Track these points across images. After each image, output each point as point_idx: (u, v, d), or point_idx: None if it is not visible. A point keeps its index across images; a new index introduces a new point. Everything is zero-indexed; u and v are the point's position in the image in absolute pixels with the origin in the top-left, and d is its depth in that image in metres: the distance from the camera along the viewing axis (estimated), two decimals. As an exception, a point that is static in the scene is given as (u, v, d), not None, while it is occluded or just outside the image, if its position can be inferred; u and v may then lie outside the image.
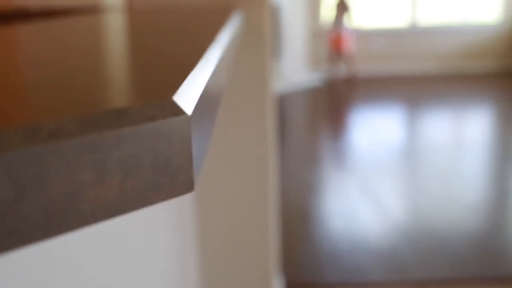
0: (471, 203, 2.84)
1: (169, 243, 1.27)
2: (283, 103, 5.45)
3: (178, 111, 0.20)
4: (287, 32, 6.32)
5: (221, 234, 1.72)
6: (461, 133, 4.15)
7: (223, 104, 1.59)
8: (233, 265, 1.75)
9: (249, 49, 1.56)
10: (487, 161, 3.48)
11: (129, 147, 0.19)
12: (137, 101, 0.20)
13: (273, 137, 1.72)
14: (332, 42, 5.96)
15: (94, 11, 1.56)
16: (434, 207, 2.80)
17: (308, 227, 2.62)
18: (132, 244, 0.91)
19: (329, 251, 2.38)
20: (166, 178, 0.20)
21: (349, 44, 5.95)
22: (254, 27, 1.54)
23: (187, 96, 0.21)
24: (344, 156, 3.68)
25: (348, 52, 6.03)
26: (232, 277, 1.76)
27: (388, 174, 3.31)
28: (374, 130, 4.30)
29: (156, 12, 1.04)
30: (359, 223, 2.64)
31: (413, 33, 6.82)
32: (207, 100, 0.25)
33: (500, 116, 4.78)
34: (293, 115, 4.94)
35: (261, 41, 1.57)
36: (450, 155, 3.63)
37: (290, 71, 6.36)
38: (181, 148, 0.20)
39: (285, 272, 2.23)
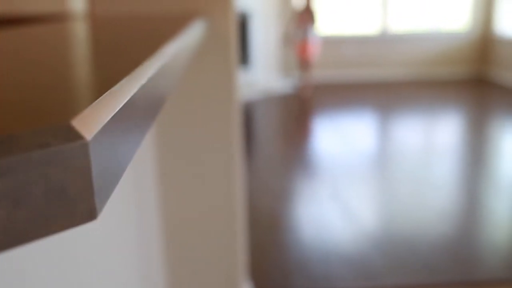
0: (441, 209, 2.87)
1: (134, 249, 1.25)
2: (253, 109, 5.45)
3: (75, 136, 0.19)
4: (257, 39, 6.33)
5: (188, 240, 1.70)
6: (431, 139, 4.21)
7: (188, 111, 1.58)
8: (201, 271, 1.73)
9: (214, 56, 1.55)
10: (457, 167, 3.53)
11: (17, 176, 0.17)
12: (31, 126, 0.19)
13: (239, 143, 1.71)
14: (298, 49, 5.93)
15: (55, 18, 1.53)
16: (404, 214, 2.83)
17: (278, 233, 2.62)
18: (97, 261, 0.89)
19: (299, 258, 2.38)
20: (62, 207, 0.19)
21: (315, 52, 5.90)
22: (219, 34, 1.53)
23: (91, 120, 0.20)
24: (314, 163, 3.69)
25: (313, 60, 6.01)
26: (199, 283, 1.74)
27: (358, 181, 3.33)
28: (345, 136, 4.33)
29: (115, 20, 1.02)
30: (329, 230, 2.65)
31: (384, 40, 6.91)
32: (124, 122, 0.24)
33: (470, 121, 4.87)
34: (263, 122, 4.94)
35: (227, 48, 1.56)
36: (421, 161, 3.68)
37: (261, 77, 6.37)
38: (79, 176, 0.19)
39: (254, 278, 2.22)
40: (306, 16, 5.70)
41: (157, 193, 1.65)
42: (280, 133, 4.54)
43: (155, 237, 1.60)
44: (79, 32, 0.66)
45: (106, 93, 0.24)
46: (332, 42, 6.90)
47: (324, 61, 6.90)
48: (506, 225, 2.67)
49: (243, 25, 6.30)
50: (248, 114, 5.25)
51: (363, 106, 5.47)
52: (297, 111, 5.29)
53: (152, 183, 1.60)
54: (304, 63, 5.92)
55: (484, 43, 6.97)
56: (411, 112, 5.14)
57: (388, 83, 6.65)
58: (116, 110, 0.23)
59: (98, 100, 0.22)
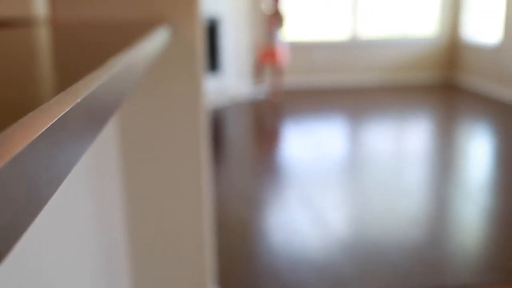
0: (410, 215, 2.89)
1: (99, 258, 1.21)
2: (224, 116, 5.42)
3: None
4: (227, 44, 6.31)
5: (154, 246, 1.67)
6: (401, 145, 4.26)
7: (154, 117, 1.55)
8: (167, 279, 1.70)
9: (180, 62, 1.53)
10: (426, 173, 3.57)
11: None
12: None
13: (207, 149, 1.69)
14: (266, 55, 5.82)
15: (16, 23, 1.48)
16: (374, 220, 2.84)
17: (248, 240, 2.60)
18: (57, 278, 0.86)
19: (269, 266, 2.36)
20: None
21: (283, 57, 5.83)
22: (185, 40, 1.51)
23: (3, 147, 0.18)
24: (285, 169, 3.69)
25: (282, 65, 5.97)
26: (167, 296, 1.71)
27: (329, 187, 3.34)
28: (316, 142, 4.34)
29: (74, 26, 0.99)
30: (299, 237, 2.64)
31: (354, 46, 6.98)
32: (50, 145, 0.22)
33: (438, 126, 4.94)
34: (234, 128, 4.92)
35: (193, 54, 1.54)
36: (391, 166, 3.71)
37: (231, 83, 6.36)
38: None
39: (223, 286, 2.19)
40: (275, 20, 5.64)
41: (123, 200, 1.62)
42: (250, 139, 4.53)
43: (119, 244, 1.56)
44: (30, 40, 0.63)
45: (27, 115, 0.21)
46: (303, 48, 6.93)
47: (295, 67, 6.93)
48: (474, 230, 2.70)
49: (212, 30, 6.27)
50: (219, 120, 5.22)
51: (333, 112, 5.50)
52: (267, 117, 5.28)
53: (118, 190, 1.56)
54: (273, 68, 5.87)
55: (451, 49, 7.10)
56: (381, 118, 5.20)
57: (359, 89, 6.72)
58: (36, 135, 0.20)
59: (15, 124, 0.20)
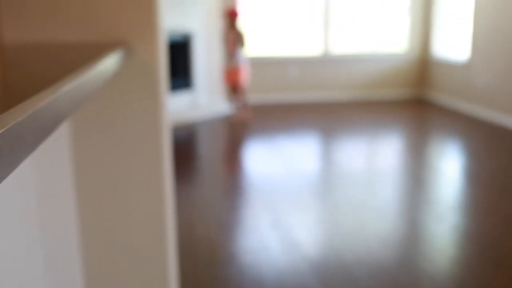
0: (381, 236, 2.86)
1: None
2: (196, 133, 5.35)
3: None
4: (200, 60, 6.26)
5: (113, 278, 1.58)
6: (373, 162, 4.24)
7: (112, 140, 1.49)
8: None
9: (139, 84, 1.48)
10: (398, 191, 3.55)
11: None
12: None
13: (169, 172, 1.63)
14: (227, 75, 5.65)
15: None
16: (345, 241, 2.79)
17: (216, 265, 2.52)
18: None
19: (238, 292, 2.29)
20: None
21: (245, 76, 5.63)
22: (143, 62, 1.46)
23: None
24: (255, 188, 3.62)
25: (244, 85, 5.66)
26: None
27: (299, 206, 3.29)
28: (287, 160, 4.30)
29: (19, 50, 0.92)
30: (270, 260, 2.57)
31: (326, 62, 7.00)
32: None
33: (410, 143, 4.95)
34: (205, 146, 4.85)
35: (151, 77, 1.48)
36: (362, 184, 3.68)
37: (205, 100, 6.30)
38: None
39: (192, 317, 2.11)
40: (233, 40, 5.48)
41: (77, 229, 1.53)
42: (220, 157, 4.46)
43: (74, 278, 1.48)
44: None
45: None
46: (275, 64, 6.92)
47: (266, 83, 6.91)
48: (446, 250, 2.68)
49: (185, 46, 6.21)
50: (190, 138, 5.15)
51: (305, 129, 5.47)
52: (238, 135, 5.23)
53: (72, 216, 1.49)
54: (235, 89, 5.65)
55: (422, 65, 7.18)
56: (353, 134, 5.19)
57: (331, 105, 6.72)
58: None
59: None
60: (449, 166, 4.09)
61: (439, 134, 5.20)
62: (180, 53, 6.19)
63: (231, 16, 5.47)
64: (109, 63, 0.91)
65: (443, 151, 4.56)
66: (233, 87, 5.68)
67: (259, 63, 6.86)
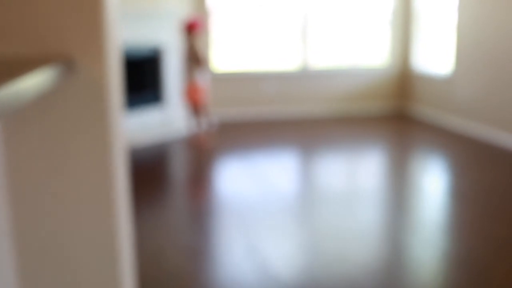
0: (364, 261, 2.60)
1: None
2: (166, 152, 5.08)
3: None
4: (171, 75, 6.00)
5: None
6: (353, 181, 4.01)
7: (54, 162, 1.37)
8: None
9: (83, 103, 1.36)
10: (380, 212, 3.31)
11: None
12: None
13: (123, 196, 1.49)
14: (186, 94, 5.22)
15: None
16: (324, 268, 2.54)
17: (180, 302, 2.24)
18: None
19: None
20: None
21: (203, 95, 5.21)
22: (89, 79, 1.35)
23: None
24: (228, 211, 3.35)
25: (204, 103, 5.23)
26: None
27: (275, 230, 3.02)
28: (263, 180, 4.04)
29: None
30: (239, 294, 2.30)
31: (304, 76, 6.80)
32: None
33: (392, 160, 4.74)
34: (175, 166, 4.58)
35: (98, 94, 1.36)
36: (342, 205, 3.43)
37: (176, 116, 6.03)
38: None
39: None
40: (191, 57, 5.09)
41: (12, 261, 1.38)
42: (192, 179, 4.19)
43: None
44: None
45: None
46: (250, 79, 6.70)
47: (242, 98, 6.68)
48: (431, 277, 2.44)
49: (155, 61, 5.96)
50: (159, 157, 4.87)
51: (282, 146, 5.23)
52: (210, 155, 4.96)
53: (4, 248, 1.34)
54: (194, 108, 5.25)
55: (403, 79, 7.02)
56: (333, 151, 4.96)
57: (309, 120, 6.50)
58: None
59: None
60: (433, 184, 3.87)
61: (422, 150, 5.00)
62: (149, 67, 5.94)
63: (188, 29, 5.09)
64: (36, 79, 0.89)
65: (426, 168, 4.35)
66: (193, 106, 5.29)
67: (232, 78, 6.63)
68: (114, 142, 1.40)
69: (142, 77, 5.96)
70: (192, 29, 5.07)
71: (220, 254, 2.72)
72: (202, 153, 4.87)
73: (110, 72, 1.37)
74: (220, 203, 3.52)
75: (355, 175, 4.16)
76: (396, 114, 6.87)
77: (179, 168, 4.50)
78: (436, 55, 6.44)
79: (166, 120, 5.98)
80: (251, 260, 2.62)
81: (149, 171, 4.28)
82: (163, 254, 2.71)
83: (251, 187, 3.84)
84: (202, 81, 5.21)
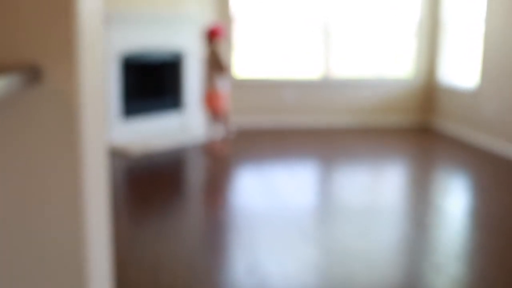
0: (385, 285, 2.48)
1: None
2: (182, 159, 5.01)
3: None
4: (191, 80, 5.94)
5: None
6: (372, 196, 3.86)
7: (21, 174, 1.32)
8: None
9: (52, 114, 1.30)
10: (396, 234, 3.16)
11: None
12: None
13: (102, 217, 1.47)
14: (206, 101, 5.15)
15: None
16: (329, 293, 2.42)
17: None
18: None
19: None
20: None
21: (224, 103, 5.13)
22: (57, 91, 1.28)
23: None
24: (237, 224, 3.25)
25: (224, 111, 5.14)
26: None
27: (283, 248, 2.91)
28: (277, 192, 3.93)
29: None
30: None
31: (326, 86, 6.67)
32: None
33: (414, 176, 4.59)
34: (190, 174, 4.50)
35: (68, 107, 1.29)
36: (357, 225, 3.29)
37: (195, 122, 5.98)
38: None
39: None
40: (212, 63, 5.00)
41: None
42: (203, 188, 4.10)
43: None
44: None
45: None
46: (272, 86, 6.60)
47: (262, 106, 6.58)
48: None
49: (177, 66, 5.92)
50: (175, 164, 4.80)
51: (299, 157, 5.12)
52: (225, 164, 4.87)
53: None
54: (213, 114, 5.16)
55: (427, 91, 6.83)
56: (352, 164, 4.82)
57: (329, 131, 6.37)
58: None
59: None
60: (454, 205, 3.70)
61: (445, 167, 4.83)
62: (170, 72, 5.90)
63: (210, 35, 5.01)
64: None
65: (448, 187, 4.18)
66: (213, 113, 5.22)
67: (253, 85, 6.54)
68: (86, 154, 1.35)
69: (162, 82, 5.92)
70: (214, 36, 5.00)
71: (219, 273, 2.63)
72: (218, 161, 4.78)
73: (82, 83, 1.31)
74: (229, 214, 3.43)
75: (373, 191, 4.02)
76: (419, 127, 6.69)
77: (192, 175, 4.44)
78: (462, 67, 6.24)
79: (185, 126, 5.94)
80: (251, 278, 2.52)
81: (161, 177, 4.22)
82: (159, 270, 2.62)
83: (263, 199, 3.74)
84: (223, 87, 5.13)
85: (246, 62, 6.59)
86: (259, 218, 3.35)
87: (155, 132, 5.63)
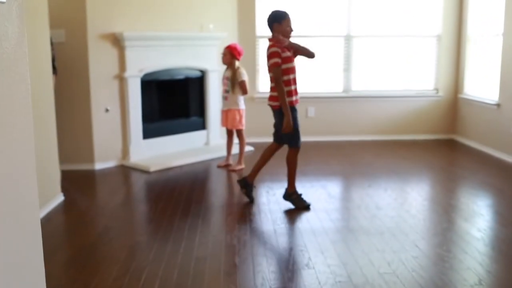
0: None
1: None
2: (203, 178, 5.08)
3: None
4: (214, 100, 6.04)
5: None
6: (393, 214, 3.83)
7: None
8: None
9: None
10: (412, 255, 3.14)
11: None
12: None
13: None
14: (223, 116, 5.30)
15: None
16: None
17: None
18: None
19: None
20: None
21: (239, 121, 5.19)
22: None
23: None
24: (246, 246, 3.28)
25: (238, 129, 5.21)
26: None
27: (300, 271, 2.92)
28: (292, 207, 3.95)
29: None
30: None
31: (347, 101, 6.68)
32: None
33: (436, 193, 4.55)
34: (208, 194, 4.54)
35: None
36: (375, 242, 3.28)
37: (217, 140, 6.07)
38: None
39: None
40: (232, 82, 5.08)
41: None
42: (216, 207, 4.12)
43: None
44: None
45: None
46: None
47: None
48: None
49: (199, 84, 6.04)
50: (193, 181, 4.86)
51: (321, 171, 5.13)
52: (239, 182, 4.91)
53: None
54: (231, 132, 5.29)
55: (453, 106, 6.77)
56: (375, 179, 4.80)
57: (352, 145, 6.37)
58: None
59: None
60: (476, 226, 3.63)
61: (470, 183, 4.78)
62: (192, 91, 6.02)
63: (229, 53, 5.10)
64: None
65: (472, 206, 4.10)
66: (230, 131, 5.33)
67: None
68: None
69: (185, 100, 6.04)
70: (235, 55, 5.10)
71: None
72: (236, 177, 4.83)
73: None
74: (237, 236, 3.43)
75: (395, 207, 3.99)
76: (444, 141, 6.64)
77: (207, 193, 4.49)
78: (485, 82, 6.19)
79: (206, 143, 6.04)
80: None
81: (176, 194, 4.28)
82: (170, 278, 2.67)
83: (277, 216, 3.76)
84: (242, 106, 5.22)
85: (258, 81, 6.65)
86: (271, 236, 3.37)
87: (177, 149, 5.74)
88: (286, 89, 3.85)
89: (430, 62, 6.80)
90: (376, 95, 6.68)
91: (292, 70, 3.88)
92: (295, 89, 3.94)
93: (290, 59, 3.86)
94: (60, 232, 3.62)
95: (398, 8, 6.62)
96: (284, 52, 3.81)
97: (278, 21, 3.83)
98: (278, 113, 3.93)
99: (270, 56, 3.81)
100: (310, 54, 3.95)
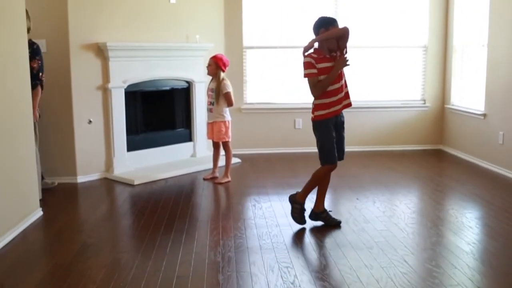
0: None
1: None
2: (190, 191, 4.99)
3: None
4: (200, 111, 5.97)
5: None
6: (380, 227, 3.77)
7: None
8: None
9: None
10: (398, 271, 3.07)
11: None
12: None
13: None
14: (208, 130, 5.21)
15: None
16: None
17: None
18: None
19: None
20: None
21: (227, 133, 5.10)
22: None
23: None
24: (231, 262, 3.19)
25: (227, 141, 5.11)
26: None
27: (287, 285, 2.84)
28: (276, 221, 3.87)
29: None
30: None
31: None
32: None
33: (424, 205, 4.50)
34: (194, 208, 4.45)
35: None
36: (362, 258, 3.22)
37: (204, 152, 6.00)
38: None
39: None
40: (217, 93, 4.99)
41: None
42: (204, 221, 4.04)
43: None
44: None
45: None
46: (280, 113, 6.59)
47: (271, 133, 6.56)
48: None
49: (184, 95, 5.98)
50: (178, 194, 4.77)
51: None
52: (232, 195, 4.83)
53: None
54: (217, 144, 5.19)
55: (440, 116, 6.75)
56: (362, 191, 4.74)
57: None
58: None
59: None
60: (464, 239, 3.58)
61: (458, 193, 4.74)
62: (178, 102, 5.96)
63: (214, 63, 5.02)
64: None
65: (459, 218, 4.07)
66: (216, 143, 5.24)
67: (261, 113, 6.55)
68: None
69: (170, 112, 5.96)
70: (220, 66, 5.03)
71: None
72: (233, 190, 4.72)
73: None
74: (225, 249, 3.36)
75: (384, 220, 3.92)
76: (431, 152, 6.62)
77: (192, 207, 4.39)
78: (471, 92, 6.18)
79: (192, 155, 5.96)
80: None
81: (159, 208, 4.19)
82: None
83: (263, 231, 3.67)
84: (227, 118, 5.14)
85: (254, 92, 6.60)
86: (256, 251, 3.29)
87: (162, 161, 5.65)
88: (320, 101, 3.69)
89: (417, 73, 6.78)
90: (363, 106, 6.63)
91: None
92: (333, 102, 3.71)
93: (327, 70, 3.59)
94: (36, 250, 3.50)
95: (384, 19, 6.60)
96: (320, 63, 3.60)
97: (326, 26, 3.65)
98: (313, 125, 3.80)
99: (303, 65, 3.63)
100: (344, 35, 3.66)
